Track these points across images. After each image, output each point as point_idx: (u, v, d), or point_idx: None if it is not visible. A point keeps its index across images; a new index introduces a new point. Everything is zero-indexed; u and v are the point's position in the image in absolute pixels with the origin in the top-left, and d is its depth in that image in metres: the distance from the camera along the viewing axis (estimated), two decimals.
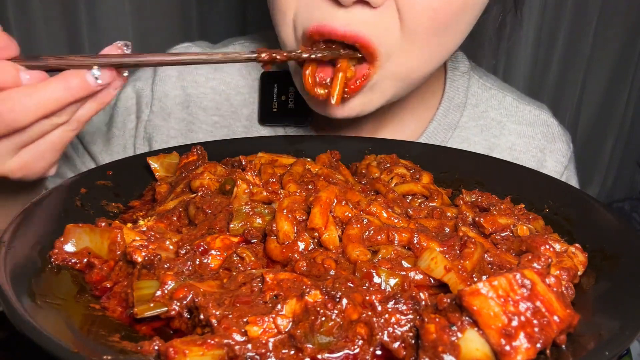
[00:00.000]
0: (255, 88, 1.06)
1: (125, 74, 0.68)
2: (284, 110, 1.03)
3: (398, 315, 0.48)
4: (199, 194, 0.67)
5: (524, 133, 1.07)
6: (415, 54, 0.82)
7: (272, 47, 1.06)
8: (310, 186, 0.69)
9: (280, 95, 1.02)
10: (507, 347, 0.43)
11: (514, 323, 0.44)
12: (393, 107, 1.02)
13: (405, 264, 0.55)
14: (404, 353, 0.47)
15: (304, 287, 0.49)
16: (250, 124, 1.06)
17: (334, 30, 0.77)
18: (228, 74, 1.07)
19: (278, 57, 0.74)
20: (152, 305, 0.50)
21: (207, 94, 1.07)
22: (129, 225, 0.63)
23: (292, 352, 0.46)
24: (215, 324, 0.46)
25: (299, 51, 0.78)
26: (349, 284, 0.50)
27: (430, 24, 0.79)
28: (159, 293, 0.51)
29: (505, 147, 1.06)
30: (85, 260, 0.59)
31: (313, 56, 0.78)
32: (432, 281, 0.54)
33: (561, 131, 1.10)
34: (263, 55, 0.72)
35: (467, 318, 0.45)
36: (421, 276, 0.54)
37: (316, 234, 0.59)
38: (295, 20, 0.81)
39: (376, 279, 0.53)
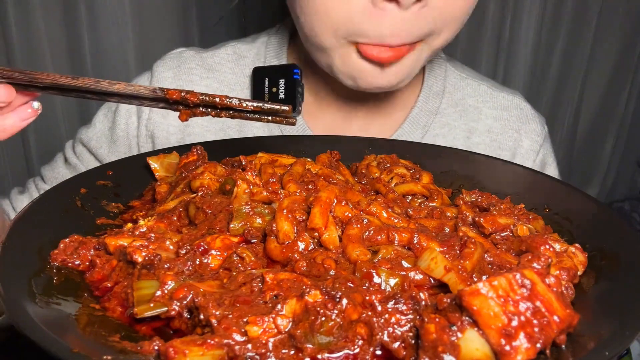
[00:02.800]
0: (247, 84, 1.11)
1: (36, 106, 0.67)
2: (275, 101, 1.06)
3: (398, 315, 0.48)
4: (199, 194, 0.67)
5: (499, 117, 1.14)
6: (450, 33, 0.93)
7: (269, 49, 1.09)
8: (310, 186, 0.69)
9: (272, 87, 1.06)
10: (507, 347, 0.43)
11: (514, 323, 0.44)
12: (384, 99, 1.10)
13: (405, 264, 0.55)
14: (404, 353, 0.47)
15: (304, 287, 0.49)
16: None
17: (381, 60, 0.88)
18: (221, 72, 1.12)
19: (189, 97, 0.69)
20: (152, 305, 0.50)
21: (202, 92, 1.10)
22: (129, 225, 0.63)
23: (292, 352, 0.46)
24: (215, 324, 0.46)
25: (216, 98, 0.69)
26: (349, 284, 0.50)
27: (463, 7, 0.89)
28: (159, 293, 0.51)
29: (483, 130, 1.13)
30: (89, 261, 0.59)
31: (227, 101, 0.69)
32: (432, 281, 0.54)
33: (534, 113, 1.17)
34: (174, 96, 0.69)
35: (467, 318, 0.45)
36: (421, 276, 0.54)
37: (316, 234, 0.59)
38: (338, 26, 0.87)
39: (376, 279, 0.53)
